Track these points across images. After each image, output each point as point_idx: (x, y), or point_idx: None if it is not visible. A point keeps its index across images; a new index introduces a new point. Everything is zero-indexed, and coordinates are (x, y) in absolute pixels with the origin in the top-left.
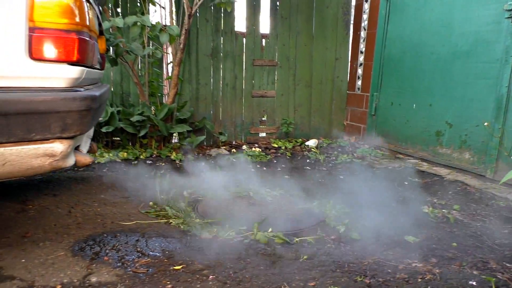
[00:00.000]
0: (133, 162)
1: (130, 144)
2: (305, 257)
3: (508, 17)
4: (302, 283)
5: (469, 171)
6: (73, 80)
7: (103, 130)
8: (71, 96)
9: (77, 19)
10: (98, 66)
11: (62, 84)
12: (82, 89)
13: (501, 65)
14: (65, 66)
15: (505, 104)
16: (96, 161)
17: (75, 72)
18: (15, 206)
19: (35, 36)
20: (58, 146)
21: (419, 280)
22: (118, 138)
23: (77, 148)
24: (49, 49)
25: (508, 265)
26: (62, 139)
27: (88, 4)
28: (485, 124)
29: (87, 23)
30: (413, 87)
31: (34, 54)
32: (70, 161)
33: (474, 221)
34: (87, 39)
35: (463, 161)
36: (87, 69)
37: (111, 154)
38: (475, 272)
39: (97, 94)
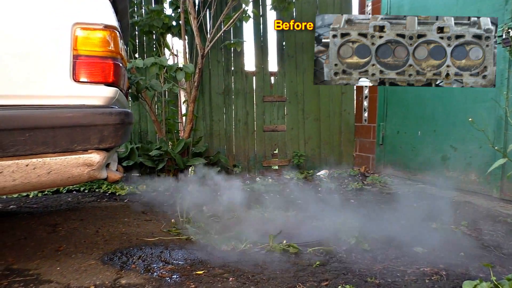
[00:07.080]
0: (152, 193)
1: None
2: (318, 263)
3: (499, 43)
4: (315, 283)
5: (476, 191)
6: (109, 99)
7: (124, 164)
8: (108, 111)
9: (112, 47)
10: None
11: (100, 102)
12: (116, 107)
13: (497, 88)
14: (103, 87)
15: (504, 124)
16: (117, 193)
17: (110, 91)
18: (46, 228)
19: (78, 62)
20: (95, 157)
21: (427, 281)
22: (137, 174)
23: (107, 166)
24: (90, 73)
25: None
26: (99, 150)
27: (121, 37)
28: (470, 119)
29: (120, 52)
30: (416, 116)
31: (77, 77)
32: (104, 174)
33: (481, 235)
34: (120, 64)
35: (470, 183)
36: (120, 91)
37: (131, 187)
38: (481, 275)
39: (129, 111)
